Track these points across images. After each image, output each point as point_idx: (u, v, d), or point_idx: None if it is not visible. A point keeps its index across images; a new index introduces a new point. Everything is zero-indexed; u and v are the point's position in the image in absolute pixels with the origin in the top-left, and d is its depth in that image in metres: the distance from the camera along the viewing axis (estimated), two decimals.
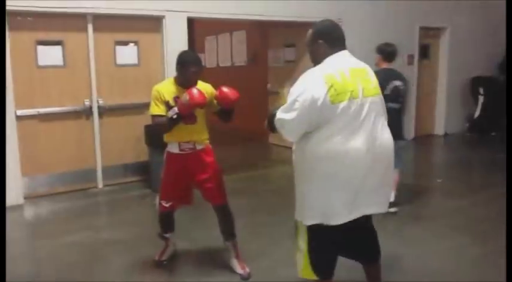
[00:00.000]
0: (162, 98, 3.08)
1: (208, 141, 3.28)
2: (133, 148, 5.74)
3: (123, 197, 5.36)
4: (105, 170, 5.63)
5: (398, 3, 7.77)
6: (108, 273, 3.37)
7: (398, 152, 2.87)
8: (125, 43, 5.67)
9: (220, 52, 9.97)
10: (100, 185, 5.62)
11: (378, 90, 2.38)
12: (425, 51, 8.64)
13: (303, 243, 2.41)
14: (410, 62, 8.20)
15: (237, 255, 3.32)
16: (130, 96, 5.70)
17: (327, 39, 2.35)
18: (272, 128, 2.42)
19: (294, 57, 7.56)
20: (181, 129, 3.08)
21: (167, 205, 3.28)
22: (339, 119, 2.19)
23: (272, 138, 7.85)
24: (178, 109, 2.94)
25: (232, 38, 9.52)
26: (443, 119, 9.09)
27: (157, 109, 3.07)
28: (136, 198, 5.31)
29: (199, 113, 3.14)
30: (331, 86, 2.18)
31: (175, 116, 2.96)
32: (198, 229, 4.09)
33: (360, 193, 2.26)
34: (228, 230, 3.32)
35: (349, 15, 7.23)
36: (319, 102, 2.17)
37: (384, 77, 3.91)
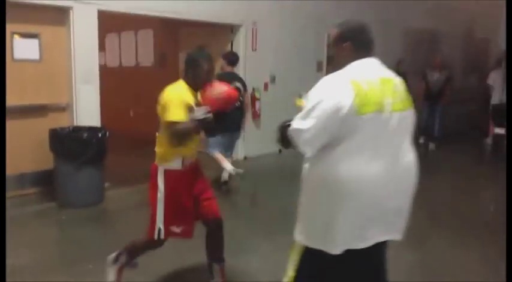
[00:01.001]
0: (184, 102, 2.67)
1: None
2: (33, 155, 5.03)
3: (19, 212, 4.61)
4: None
5: (309, 11, 7.87)
6: None
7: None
8: (25, 35, 4.95)
9: (124, 51, 9.32)
10: None
11: (408, 103, 2.13)
12: (332, 59, 8.84)
13: (291, 269, 2.15)
14: (319, 68, 8.36)
15: None
16: (30, 96, 4.99)
17: (354, 41, 2.10)
18: (285, 142, 2.10)
19: None
20: (188, 143, 2.74)
21: (179, 230, 2.83)
22: (362, 135, 1.94)
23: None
24: (212, 106, 2.63)
25: (138, 37, 8.95)
26: None
27: (183, 114, 2.64)
28: (36, 213, 4.63)
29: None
30: (357, 95, 1.93)
31: (206, 116, 2.61)
32: (156, 261, 3.36)
33: (375, 220, 2.03)
34: (220, 251, 2.99)
35: (264, 19, 7.18)
36: (343, 111, 1.90)
37: (228, 79, 4.89)
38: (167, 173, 2.78)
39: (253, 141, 7.22)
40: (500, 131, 8.00)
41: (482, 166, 7.89)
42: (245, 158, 7.26)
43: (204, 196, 2.91)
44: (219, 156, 5.32)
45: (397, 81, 2.12)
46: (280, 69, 7.61)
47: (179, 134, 2.65)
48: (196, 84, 2.79)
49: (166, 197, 2.79)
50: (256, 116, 7.31)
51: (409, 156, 2.09)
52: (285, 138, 2.09)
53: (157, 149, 2.82)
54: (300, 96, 2.29)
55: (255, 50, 7.16)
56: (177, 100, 2.66)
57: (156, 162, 2.81)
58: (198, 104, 2.74)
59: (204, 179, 2.99)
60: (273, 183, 6.16)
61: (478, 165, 7.88)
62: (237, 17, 6.87)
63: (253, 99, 7.17)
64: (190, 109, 2.68)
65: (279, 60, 7.60)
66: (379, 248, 2.15)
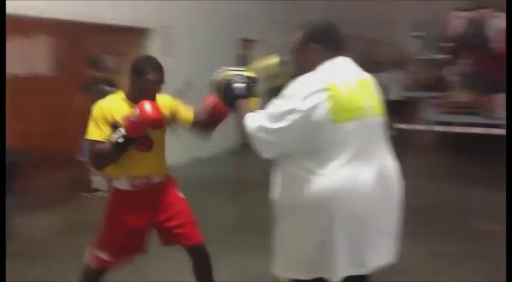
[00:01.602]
0: (109, 117, 2.32)
1: (167, 171, 2.56)
2: None
3: None
4: None
5: (221, 14, 7.64)
6: None
7: None
8: None
9: (13, 57, 8.26)
10: None
11: (383, 107, 1.96)
12: (243, 62, 8.75)
13: None
14: None
15: None
16: None
17: (323, 42, 1.89)
18: (229, 102, 1.99)
19: (114, 66, 6.70)
20: (133, 159, 2.33)
21: (109, 259, 2.43)
22: (345, 145, 1.75)
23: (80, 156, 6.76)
24: (126, 130, 2.19)
25: (33, 41, 8.00)
26: None
27: (99, 132, 2.31)
28: None
29: (157, 136, 2.40)
30: (334, 99, 1.72)
31: (121, 140, 2.20)
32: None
33: (367, 239, 1.82)
34: (210, 278, 2.59)
35: (179, 22, 6.82)
36: (316, 118, 1.70)
37: (97, 84, 5.16)
38: (113, 191, 2.46)
39: (168, 151, 6.79)
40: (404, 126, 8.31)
41: None
42: None
43: (173, 223, 2.50)
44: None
45: (374, 83, 1.95)
46: (195, 75, 7.28)
47: (95, 156, 2.33)
48: (136, 96, 2.35)
49: (106, 216, 2.46)
50: None
51: (392, 163, 1.94)
52: (230, 98, 1.99)
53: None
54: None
55: (169, 55, 6.74)
56: (97, 115, 2.35)
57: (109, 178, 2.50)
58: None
59: (176, 203, 2.56)
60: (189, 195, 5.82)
61: None
62: (149, 20, 6.41)
63: None
64: (115, 126, 2.32)
65: (194, 65, 7.27)
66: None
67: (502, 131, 7.28)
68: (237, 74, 2.06)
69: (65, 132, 5.38)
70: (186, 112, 2.61)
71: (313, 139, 1.74)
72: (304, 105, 1.72)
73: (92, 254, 2.49)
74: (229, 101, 2.05)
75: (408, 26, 7.84)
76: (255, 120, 1.82)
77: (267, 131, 1.76)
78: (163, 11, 6.58)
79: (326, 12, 10.16)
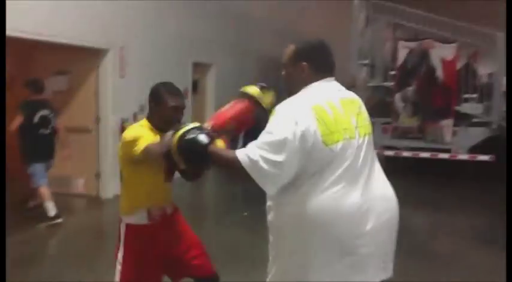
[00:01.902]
0: (146, 139, 2.21)
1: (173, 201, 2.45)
2: None
3: None
4: None
5: (176, 37, 7.60)
6: None
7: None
8: None
9: None
10: None
11: (370, 127, 1.95)
12: (195, 86, 8.70)
13: None
14: (185, 95, 8.07)
15: None
16: None
17: (312, 61, 1.87)
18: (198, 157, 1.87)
19: (66, 86, 6.47)
20: (154, 191, 2.25)
21: None
22: (334, 166, 1.73)
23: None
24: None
25: None
26: None
27: (144, 141, 2.18)
28: None
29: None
30: (322, 122, 1.71)
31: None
32: None
33: (363, 259, 1.79)
34: None
35: (133, 43, 6.69)
36: (309, 142, 1.68)
37: (33, 107, 5.16)
38: (128, 229, 2.31)
39: None
40: None
41: None
42: (115, 196, 6.54)
43: (190, 255, 2.41)
44: (45, 192, 5.13)
45: (360, 102, 1.96)
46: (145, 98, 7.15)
47: (156, 154, 2.13)
48: (160, 124, 2.29)
49: (125, 258, 2.30)
50: None
51: (383, 183, 1.92)
52: (198, 153, 1.86)
53: (120, 199, 2.38)
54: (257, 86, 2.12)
55: (123, 77, 6.59)
56: (140, 135, 2.22)
57: (120, 214, 2.36)
58: None
59: (187, 232, 2.48)
60: None
61: None
62: (103, 40, 6.24)
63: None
64: None
65: (148, 88, 7.12)
66: None
67: (446, 156, 7.69)
68: (189, 129, 1.94)
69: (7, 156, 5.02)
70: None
71: (307, 163, 1.72)
72: (297, 131, 1.69)
73: None
74: (197, 154, 1.92)
75: (354, 54, 8.14)
76: (251, 153, 1.73)
77: (271, 162, 1.69)
78: (118, 32, 6.44)
79: (277, 37, 10.43)
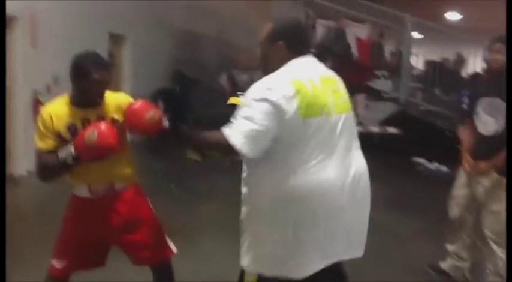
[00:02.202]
0: (52, 126, 2.12)
1: (133, 177, 2.29)
2: None
3: None
4: None
5: (89, 6, 7.16)
6: None
7: None
8: None
9: None
10: None
11: (350, 104, 1.99)
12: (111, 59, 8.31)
13: None
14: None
15: None
16: None
17: (289, 41, 1.89)
18: (199, 148, 1.79)
19: None
20: (93, 165, 2.13)
21: (59, 266, 2.23)
22: (311, 141, 1.77)
23: None
24: (77, 150, 1.96)
25: None
26: None
27: (44, 143, 2.11)
28: None
29: (121, 136, 2.10)
30: (301, 96, 1.74)
31: (70, 160, 1.98)
32: None
33: (335, 234, 1.86)
34: None
35: (43, 11, 6.22)
36: (287, 115, 1.73)
37: None
38: (71, 198, 2.25)
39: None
40: None
41: None
42: (30, 172, 6.13)
43: (132, 238, 2.27)
44: None
45: (338, 80, 2.02)
46: (64, 69, 6.70)
47: (40, 168, 2.14)
48: (82, 102, 2.15)
49: (63, 223, 2.32)
50: None
51: (360, 160, 2.01)
52: (198, 143, 1.92)
53: None
54: (236, 95, 2.08)
55: (35, 46, 6.13)
56: (41, 124, 2.14)
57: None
58: (73, 126, 2.14)
59: (141, 215, 2.32)
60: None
61: None
62: (11, 5, 5.72)
63: (36, 105, 6.13)
64: (58, 136, 2.13)
65: (63, 58, 6.68)
66: (340, 265, 2.04)
67: (360, 129, 8.15)
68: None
69: None
70: None
71: (287, 137, 1.76)
72: (274, 102, 1.73)
73: (49, 262, 2.27)
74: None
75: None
76: (234, 127, 1.75)
77: (249, 131, 1.71)
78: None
79: (193, 10, 10.25)
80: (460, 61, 8.66)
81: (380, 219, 3.08)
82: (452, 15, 13.22)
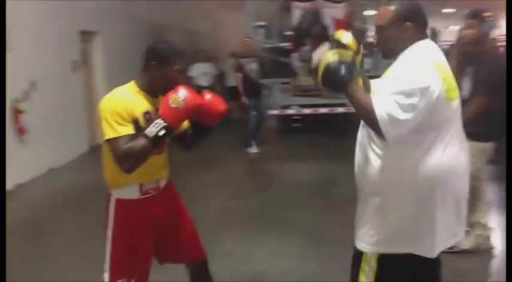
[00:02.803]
0: (128, 112, 1.97)
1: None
2: None
3: None
4: None
5: (58, 4, 6.79)
6: None
7: None
8: None
9: None
10: None
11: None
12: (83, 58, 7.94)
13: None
14: (75, 68, 7.37)
15: None
16: None
17: (417, 21, 1.86)
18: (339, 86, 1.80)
19: None
20: (146, 163, 1.99)
21: None
22: (452, 122, 1.81)
23: None
24: (167, 119, 1.86)
25: None
26: None
27: (125, 128, 1.94)
28: None
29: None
30: (444, 79, 1.76)
31: (162, 132, 1.88)
32: None
33: (461, 215, 1.94)
34: None
35: (18, 12, 5.84)
36: (435, 97, 1.72)
37: None
38: (118, 203, 2.08)
39: (21, 164, 5.87)
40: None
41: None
42: (19, 185, 5.82)
43: (183, 234, 2.24)
44: None
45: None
46: (42, 73, 6.38)
47: (126, 155, 1.91)
48: (156, 90, 2.06)
49: (115, 235, 2.12)
50: (22, 132, 5.93)
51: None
52: (340, 82, 1.81)
53: (105, 171, 2.09)
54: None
55: (10, 50, 5.74)
56: (114, 112, 1.96)
57: (108, 189, 2.15)
58: (150, 114, 2.05)
59: (180, 209, 2.30)
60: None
61: None
62: None
63: (16, 114, 5.80)
64: (135, 123, 1.99)
65: (39, 62, 6.36)
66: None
67: (343, 109, 8.19)
68: (340, 55, 1.85)
69: None
70: None
71: (432, 119, 1.76)
72: (426, 88, 1.71)
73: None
74: (339, 84, 1.85)
75: (250, 16, 8.14)
76: (384, 106, 1.72)
77: (399, 122, 1.71)
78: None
79: (164, 2, 9.97)
80: (433, 34, 8.79)
81: None
82: None
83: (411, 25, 1.87)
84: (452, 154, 1.84)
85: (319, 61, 1.88)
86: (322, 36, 7.98)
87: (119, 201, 2.12)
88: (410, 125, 1.73)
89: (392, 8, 1.89)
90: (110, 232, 2.12)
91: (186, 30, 11.79)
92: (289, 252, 3.72)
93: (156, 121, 1.92)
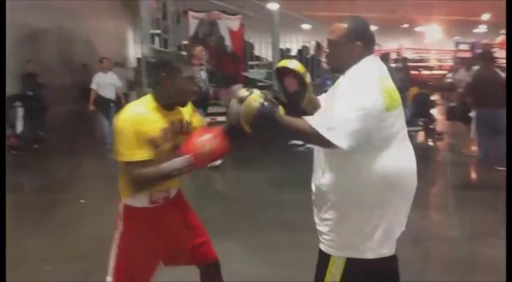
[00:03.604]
0: (144, 134, 1.96)
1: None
2: None
3: None
4: None
5: None
6: None
7: None
8: None
9: None
10: None
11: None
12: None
13: None
14: None
15: None
16: None
17: (364, 40, 2.00)
18: (266, 127, 1.89)
19: None
20: None
21: None
22: (395, 129, 1.98)
23: None
24: (195, 162, 1.94)
25: None
26: None
27: (141, 152, 1.95)
28: None
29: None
30: (387, 91, 1.93)
31: (186, 170, 1.97)
32: None
33: (408, 209, 2.11)
34: None
35: None
36: (378, 109, 1.89)
37: None
38: (126, 210, 2.09)
39: None
40: None
41: None
42: None
43: (194, 242, 2.25)
44: None
45: None
46: None
47: (143, 180, 1.98)
48: (170, 103, 2.07)
49: (122, 241, 2.14)
50: None
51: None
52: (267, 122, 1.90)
53: (120, 179, 2.14)
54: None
55: None
56: (132, 132, 1.96)
57: (120, 196, 2.16)
58: (166, 130, 2.04)
59: (191, 217, 2.30)
60: None
61: None
62: None
63: None
64: (152, 143, 2.00)
65: None
66: None
67: None
68: (259, 97, 1.92)
69: None
70: (199, 122, 2.33)
71: (375, 129, 1.91)
72: (370, 103, 1.87)
73: None
74: (273, 123, 1.93)
75: (146, 24, 8.08)
76: (328, 121, 1.85)
77: (353, 119, 1.83)
78: None
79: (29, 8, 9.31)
80: (319, 48, 9.37)
81: None
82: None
83: (360, 44, 2.01)
84: (399, 157, 2.02)
85: (242, 110, 1.91)
86: (218, 46, 8.24)
87: (127, 207, 2.13)
88: (359, 135, 1.88)
89: (345, 26, 2.05)
90: (117, 234, 2.15)
91: (58, 34, 11.17)
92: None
93: (186, 158, 1.94)
